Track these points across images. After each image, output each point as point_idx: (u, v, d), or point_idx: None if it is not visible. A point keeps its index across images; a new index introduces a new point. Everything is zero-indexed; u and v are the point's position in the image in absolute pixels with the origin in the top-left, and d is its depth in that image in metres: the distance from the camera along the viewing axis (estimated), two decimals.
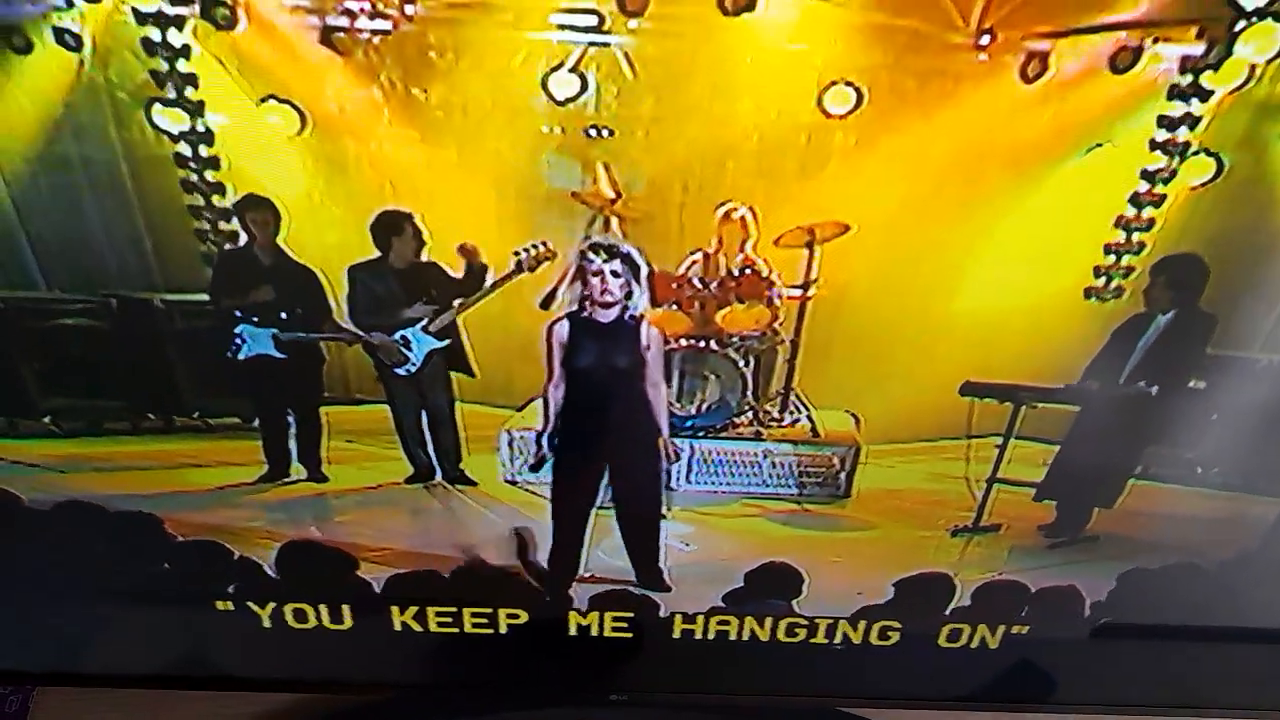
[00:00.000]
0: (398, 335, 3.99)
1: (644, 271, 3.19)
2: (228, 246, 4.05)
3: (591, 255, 3.14)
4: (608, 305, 3.21)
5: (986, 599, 3.12)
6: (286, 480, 4.03)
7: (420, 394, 4.07)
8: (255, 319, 3.96)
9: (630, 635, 3.20)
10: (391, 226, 3.84)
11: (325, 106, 4.03)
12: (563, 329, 3.25)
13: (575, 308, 3.19)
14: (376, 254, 3.87)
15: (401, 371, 3.98)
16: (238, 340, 3.88)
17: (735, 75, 4.00)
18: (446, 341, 3.98)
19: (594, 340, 3.26)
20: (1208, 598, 3.36)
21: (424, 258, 3.95)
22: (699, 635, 3.23)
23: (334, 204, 4.17)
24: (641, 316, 3.27)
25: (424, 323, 3.93)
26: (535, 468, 3.44)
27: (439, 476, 4.00)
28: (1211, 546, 3.50)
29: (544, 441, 3.34)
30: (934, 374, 3.92)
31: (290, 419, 4.01)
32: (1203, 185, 3.81)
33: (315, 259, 4.03)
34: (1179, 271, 3.49)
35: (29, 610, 3.12)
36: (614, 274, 3.14)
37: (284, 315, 3.93)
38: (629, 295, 3.20)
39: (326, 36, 3.73)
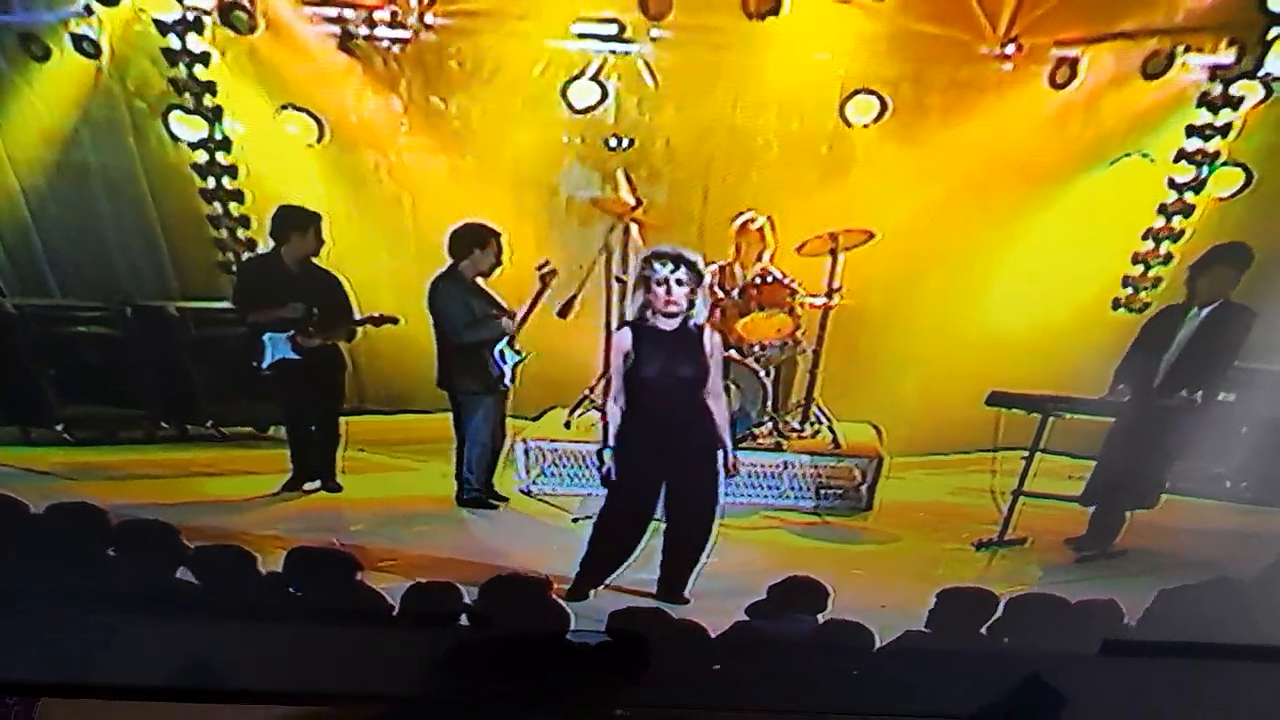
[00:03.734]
0: (495, 351, 3.97)
1: (706, 280, 3.14)
2: (248, 254, 4.03)
3: (656, 265, 3.08)
4: (671, 315, 3.12)
5: (1019, 612, 3.02)
6: (300, 490, 4.00)
7: (494, 410, 4.02)
8: (276, 324, 3.96)
9: (639, 649, 3.13)
10: (476, 240, 3.81)
11: (344, 115, 4.04)
12: (624, 337, 3.17)
13: (636, 317, 3.15)
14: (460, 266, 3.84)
15: (502, 389, 3.97)
16: (260, 349, 3.86)
17: (757, 84, 3.99)
18: (526, 354, 3.96)
19: (657, 348, 3.15)
20: (1236, 615, 3.27)
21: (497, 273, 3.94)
22: (709, 650, 3.15)
23: (354, 211, 4.17)
24: (704, 325, 3.18)
25: (510, 338, 3.92)
26: (605, 482, 3.36)
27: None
28: (1240, 562, 3.41)
29: (604, 455, 3.26)
30: (959, 385, 3.84)
31: (313, 427, 3.99)
32: (1231, 196, 3.81)
33: (336, 264, 4.02)
34: (1218, 264, 3.41)
35: (35, 621, 3.08)
36: (679, 283, 3.08)
37: (305, 318, 3.92)
38: (692, 304, 3.12)
39: (345, 43, 3.73)
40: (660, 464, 3.24)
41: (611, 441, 3.22)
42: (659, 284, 3.06)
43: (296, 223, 3.83)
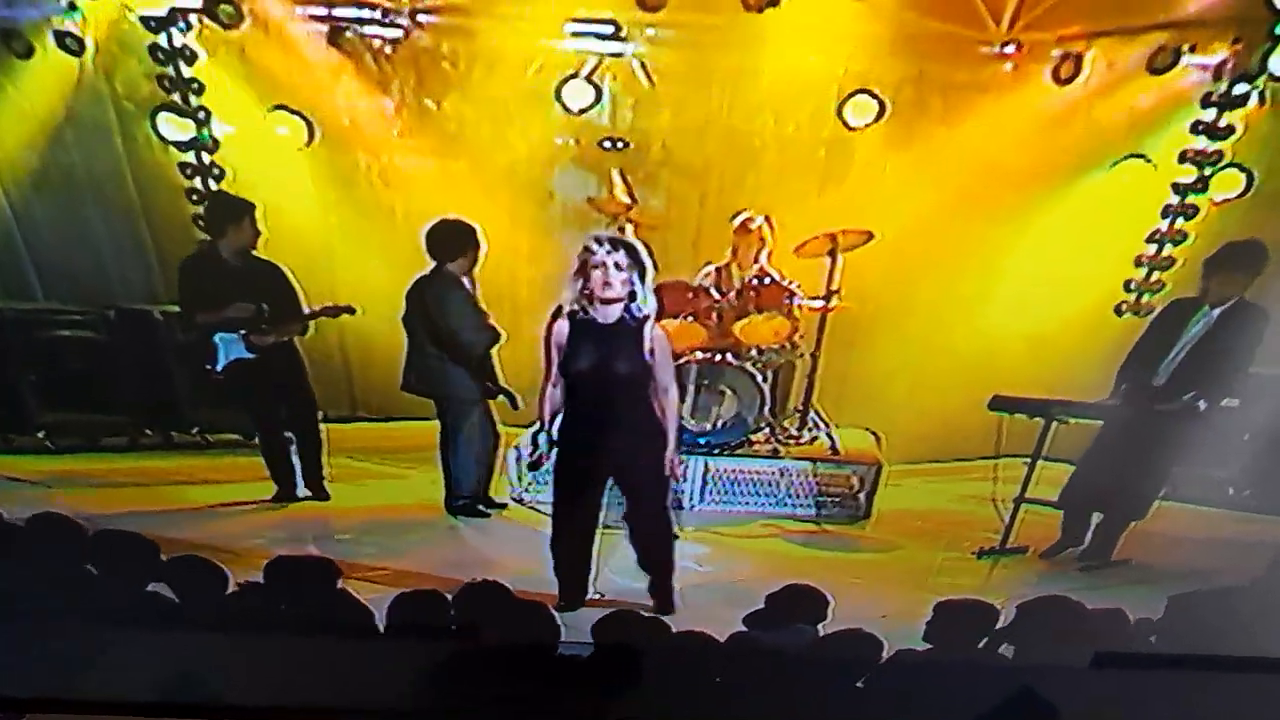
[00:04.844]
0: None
1: (649, 271, 2.95)
2: (189, 252, 3.88)
3: (594, 246, 2.90)
4: (609, 301, 2.95)
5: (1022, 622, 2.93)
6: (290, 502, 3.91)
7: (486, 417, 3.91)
8: (226, 324, 3.77)
9: (632, 661, 3.04)
10: (469, 239, 3.66)
11: (334, 117, 3.99)
12: (562, 329, 3.01)
13: (575, 306, 2.97)
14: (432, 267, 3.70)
15: (507, 401, 3.85)
16: (213, 351, 3.72)
17: (753, 86, 3.96)
18: None
19: (594, 342, 2.99)
20: (1235, 625, 3.19)
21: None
22: (706, 662, 3.06)
23: (345, 215, 4.11)
24: (645, 318, 3.00)
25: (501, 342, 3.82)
26: (534, 466, 3.22)
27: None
28: (1241, 572, 3.34)
29: (540, 439, 3.09)
30: (959, 391, 3.81)
31: (290, 434, 3.90)
32: (1232, 200, 3.77)
33: (326, 268, 3.95)
34: (1239, 262, 3.31)
35: (20, 635, 3.00)
36: (617, 266, 2.90)
37: (256, 316, 3.74)
38: (632, 295, 2.95)
39: (335, 38, 3.68)
40: (601, 461, 3.08)
41: (549, 426, 3.07)
42: (596, 268, 2.89)
43: (231, 213, 3.69)
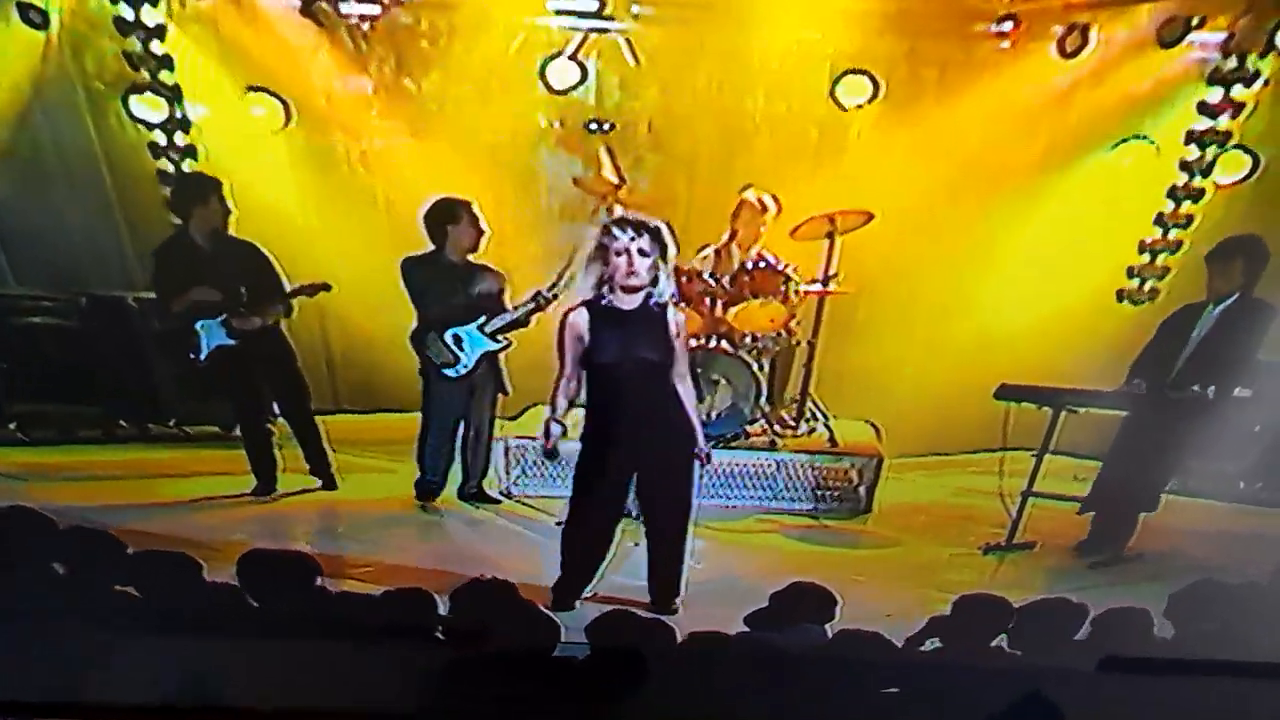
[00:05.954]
0: (449, 334, 3.73)
1: (671, 252, 2.80)
2: (164, 236, 3.72)
3: (616, 231, 2.74)
4: (632, 289, 2.79)
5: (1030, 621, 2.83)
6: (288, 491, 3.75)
7: (466, 403, 3.74)
8: (205, 310, 3.59)
9: (629, 662, 2.94)
10: (448, 216, 3.51)
11: (311, 98, 3.86)
12: (580, 318, 2.83)
13: (592, 295, 2.82)
14: (431, 248, 3.56)
15: (451, 373, 3.69)
16: (195, 339, 3.56)
17: (743, 64, 3.84)
18: (504, 344, 3.67)
19: (618, 330, 2.82)
20: (1237, 625, 3.09)
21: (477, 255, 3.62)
22: (710, 663, 2.97)
23: (324, 199, 3.98)
24: (667, 304, 2.86)
25: (480, 321, 3.70)
26: (551, 455, 2.99)
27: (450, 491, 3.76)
28: (1252, 567, 3.25)
29: (553, 429, 2.90)
30: (961, 381, 3.69)
31: (271, 426, 3.77)
32: (1237, 182, 3.67)
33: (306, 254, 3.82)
34: (1236, 256, 3.21)
35: (23, 639, 2.94)
36: (641, 252, 2.74)
37: (235, 299, 3.58)
38: (654, 280, 2.79)
39: (308, 8, 3.55)
40: (628, 456, 2.92)
41: (559, 414, 2.90)
42: (619, 254, 2.73)
43: (198, 192, 3.55)
